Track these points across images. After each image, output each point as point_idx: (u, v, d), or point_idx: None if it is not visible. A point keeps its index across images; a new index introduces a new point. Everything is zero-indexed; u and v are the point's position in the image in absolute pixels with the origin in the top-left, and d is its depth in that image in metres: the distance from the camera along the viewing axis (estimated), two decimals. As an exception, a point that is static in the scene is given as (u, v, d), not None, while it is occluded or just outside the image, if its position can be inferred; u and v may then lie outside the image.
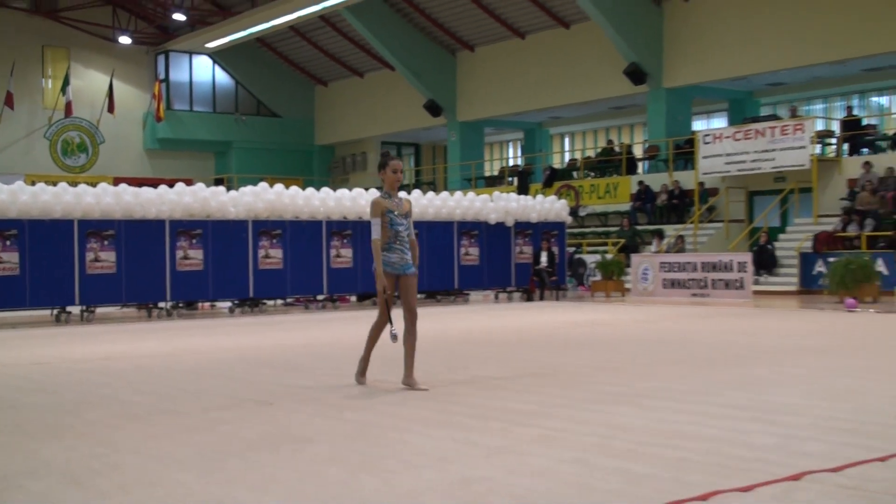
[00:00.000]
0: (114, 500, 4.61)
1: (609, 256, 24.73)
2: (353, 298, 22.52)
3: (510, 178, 35.27)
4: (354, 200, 21.08)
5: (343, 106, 42.32)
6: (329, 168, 44.09)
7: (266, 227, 19.88)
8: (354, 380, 8.39)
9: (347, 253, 20.85)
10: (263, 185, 20.46)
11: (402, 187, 34.80)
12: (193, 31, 38.87)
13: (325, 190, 21.23)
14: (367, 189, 22.10)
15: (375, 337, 8.31)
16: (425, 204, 22.08)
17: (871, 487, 4.47)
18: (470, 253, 22.60)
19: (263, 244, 19.82)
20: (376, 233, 7.87)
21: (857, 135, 26.05)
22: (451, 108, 37.02)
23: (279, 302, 21.53)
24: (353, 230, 20.92)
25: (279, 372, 9.49)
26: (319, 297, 21.12)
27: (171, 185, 19.64)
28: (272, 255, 19.91)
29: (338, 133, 42.92)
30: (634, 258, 23.99)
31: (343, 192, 21.38)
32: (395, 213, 7.95)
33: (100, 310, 19.33)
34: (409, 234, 8.07)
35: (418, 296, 22.32)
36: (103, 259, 18.16)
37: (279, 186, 20.46)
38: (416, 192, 22.63)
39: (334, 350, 11.60)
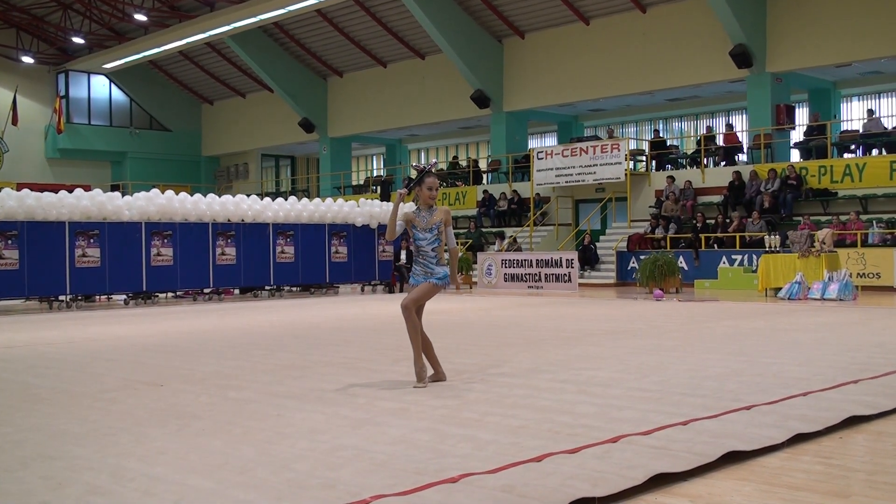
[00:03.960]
0: (15, 474, 4.37)
1: (459, 254, 24.87)
2: (237, 291, 22.07)
3: (374, 187, 35.16)
4: (237, 205, 20.64)
5: (227, 122, 41.44)
6: (214, 176, 43.11)
7: (158, 229, 19.28)
8: (417, 385, 6.82)
9: (231, 251, 20.40)
10: (155, 191, 19.88)
11: (278, 194, 34.52)
12: (92, 53, 37.56)
13: (211, 196, 20.72)
14: (248, 195, 21.64)
15: (416, 340, 6.91)
16: (300, 209, 21.78)
17: (674, 447, 4.59)
18: (339, 251, 22.42)
19: (155, 243, 19.21)
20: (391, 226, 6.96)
21: (662, 153, 26.88)
22: (323, 126, 36.67)
23: (170, 295, 20.92)
24: (235, 231, 20.47)
25: (168, 356, 9.21)
26: (206, 291, 20.62)
27: (70, 190, 18.89)
28: (163, 254, 19.33)
29: (222, 146, 42.00)
30: (480, 256, 24.20)
31: (227, 197, 20.89)
32: (418, 227, 6.93)
33: (3, 302, 18.43)
34: (436, 245, 6.92)
35: (294, 288, 22.25)
36: (7, 256, 17.30)
37: (170, 192, 19.90)
38: (292, 199, 22.29)
39: (218, 337, 11.32)
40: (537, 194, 27.57)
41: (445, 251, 7.02)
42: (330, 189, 36.24)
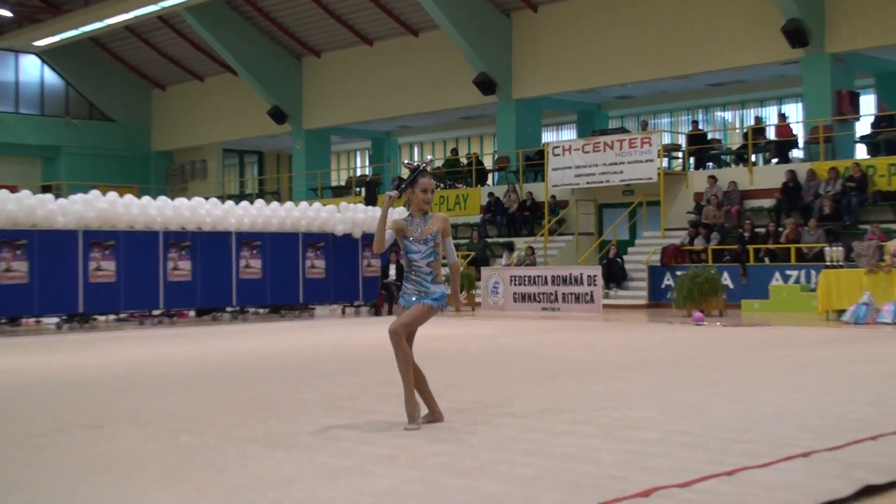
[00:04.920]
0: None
1: (460, 270, 24.84)
2: (192, 313, 22.03)
3: (358, 189, 35.20)
4: (194, 210, 20.63)
5: (182, 111, 41.50)
6: (167, 175, 43.16)
7: (98, 238, 19.26)
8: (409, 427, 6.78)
9: (186, 265, 20.37)
10: (95, 192, 19.85)
11: (242, 197, 34.48)
12: (21, 29, 37.56)
13: (163, 199, 20.72)
14: (206, 199, 21.63)
15: (407, 372, 6.87)
16: (269, 214, 21.78)
17: (719, 501, 4.57)
18: (316, 266, 22.40)
19: (94, 256, 19.19)
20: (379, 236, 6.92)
21: (702, 149, 26.90)
22: (297, 116, 36.74)
23: (111, 317, 20.89)
24: (192, 241, 20.45)
25: (110, 393, 9.17)
26: (155, 312, 20.59)
27: (-7, 192, 18.88)
28: (104, 268, 19.30)
29: (176, 139, 42.06)
30: (485, 271, 24.18)
31: (182, 201, 20.90)
32: (411, 238, 6.88)
33: (-88, 326, 18.40)
34: (432, 259, 6.90)
35: (261, 310, 22.21)
36: (-84, 272, 17.30)
37: (112, 195, 19.88)
38: (260, 203, 22.29)
39: (170, 369, 11.29)
40: (553, 197, 27.57)
41: (443, 266, 7.00)
42: (305, 191, 36.25)
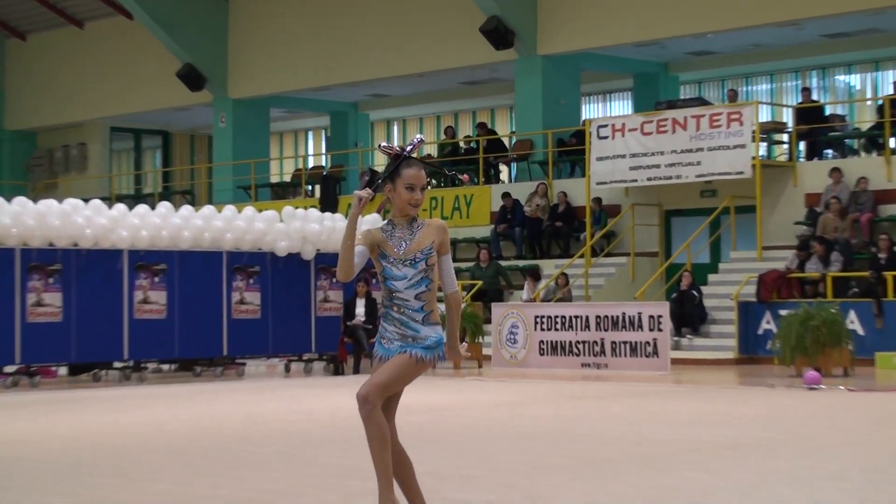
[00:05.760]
0: None
1: (462, 305, 24.80)
2: (64, 371, 21.99)
3: (310, 187, 35.20)
4: (67, 217, 20.59)
5: (51, 72, 41.54)
6: (27, 167, 43.20)
7: (-75, 259, 19.32)
8: None
9: (55, 300, 20.31)
10: (-78, 192, 19.92)
11: (139, 199, 34.38)
12: None
13: (21, 200, 20.71)
14: (86, 200, 21.59)
15: (382, 458, 6.75)
16: (178, 224, 21.75)
17: None
18: (247, 300, 22.35)
19: (-80, 285, 19.24)
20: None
21: (817, 129, 26.87)
22: (220, 79, 36.78)
23: (-55, 376, 20.91)
24: (63, 264, 20.41)
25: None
26: (9, 369, 20.53)
27: None
28: (-66, 303, 19.36)
29: (43, 113, 42.08)
30: (497, 309, 24.12)
31: (49, 203, 20.87)
32: (391, 258, 6.76)
33: None
34: (423, 289, 6.77)
35: (165, 366, 22.13)
36: None
37: (-53, 195, 19.94)
38: (165, 207, 22.25)
39: (31, 453, 11.26)
40: (597, 200, 27.56)
41: (439, 299, 6.95)
42: (232, 190, 36.30)
